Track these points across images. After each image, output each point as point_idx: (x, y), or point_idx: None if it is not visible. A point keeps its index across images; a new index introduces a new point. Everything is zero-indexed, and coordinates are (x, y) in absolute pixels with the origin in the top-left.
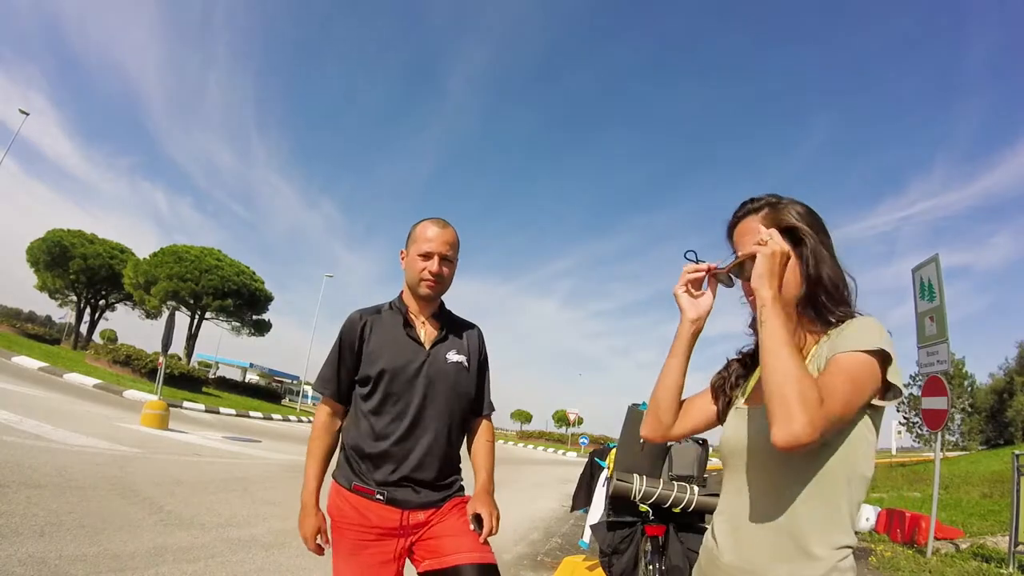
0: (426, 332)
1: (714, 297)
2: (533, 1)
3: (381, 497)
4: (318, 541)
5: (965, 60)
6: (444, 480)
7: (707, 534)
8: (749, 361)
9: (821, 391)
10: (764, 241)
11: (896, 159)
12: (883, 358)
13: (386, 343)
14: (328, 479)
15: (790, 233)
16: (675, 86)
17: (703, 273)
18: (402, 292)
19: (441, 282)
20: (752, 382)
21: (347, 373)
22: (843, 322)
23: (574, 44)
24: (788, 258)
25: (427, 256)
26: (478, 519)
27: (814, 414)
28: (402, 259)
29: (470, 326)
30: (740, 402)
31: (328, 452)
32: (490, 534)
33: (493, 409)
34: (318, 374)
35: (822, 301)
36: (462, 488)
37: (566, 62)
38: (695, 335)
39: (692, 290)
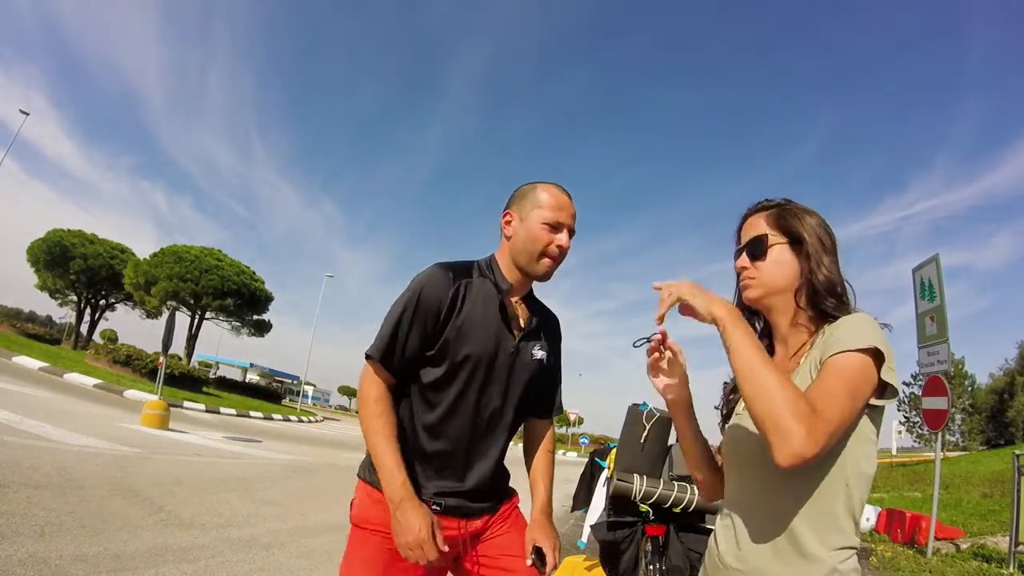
0: (517, 318)
1: (683, 364)
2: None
3: (438, 508)
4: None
5: (966, 59)
6: (501, 483)
7: (711, 536)
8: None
9: (816, 400)
10: (663, 290)
11: (897, 159)
12: (876, 355)
13: (478, 322)
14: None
15: (793, 236)
16: (675, 85)
17: (658, 350)
18: (494, 258)
19: (563, 259)
20: None
21: (418, 344)
22: (836, 319)
23: (574, 43)
24: (694, 288)
25: (557, 227)
26: (539, 553)
27: (811, 425)
28: (507, 224)
29: (552, 315)
30: (739, 408)
31: (395, 430)
32: (553, 569)
33: (561, 411)
34: (376, 338)
35: (817, 301)
36: (511, 489)
37: (566, 61)
38: (682, 405)
39: (662, 367)
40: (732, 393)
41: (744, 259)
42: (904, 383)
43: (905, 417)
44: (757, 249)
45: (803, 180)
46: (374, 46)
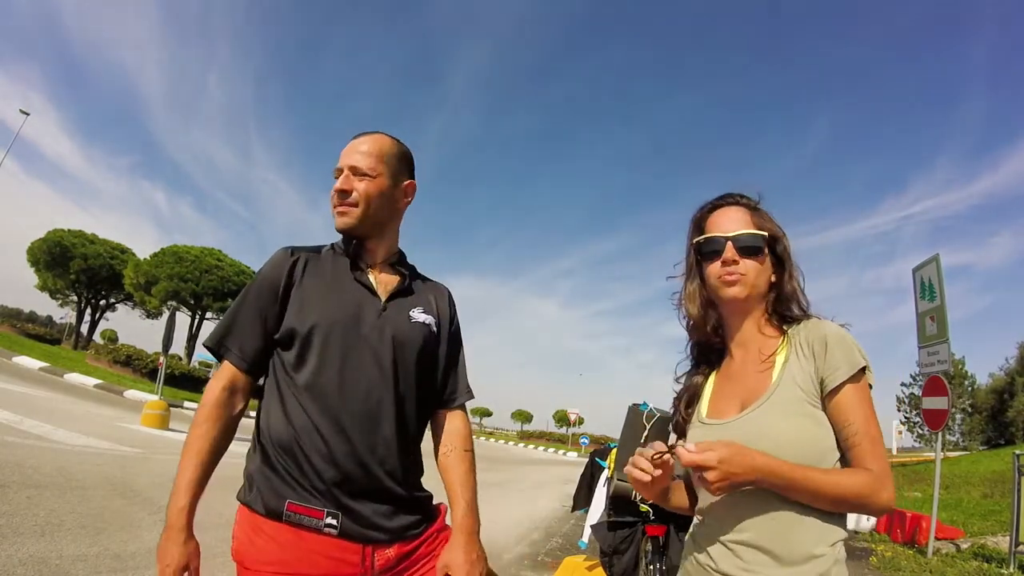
0: (380, 280)
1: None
2: None
3: (333, 525)
4: None
5: (968, 58)
6: (414, 494)
7: (691, 546)
8: (694, 384)
9: (868, 453)
10: (707, 464)
11: (898, 158)
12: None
13: (323, 289)
14: (218, 496)
15: (770, 239)
16: (676, 84)
17: (664, 461)
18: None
19: (357, 201)
20: (707, 396)
21: (262, 327)
22: (798, 320)
23: (575, 42)
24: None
25: (338, 173)
26: None
27: (885, 486)
28: None
29: (438, 284)
30: (703, 417)
31: (217, 446)
32: None
33: (471, 396)
34: (213, 329)
35: (784, 307)
36: (436, 506)
37: (567, 60)
38: (663, 492)
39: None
40: (687, 408)
41: (732, 251)
42: (904, 383)
43: (905, 417)
44: (753, 247)
45: (803, 179)
46: (374, 46)
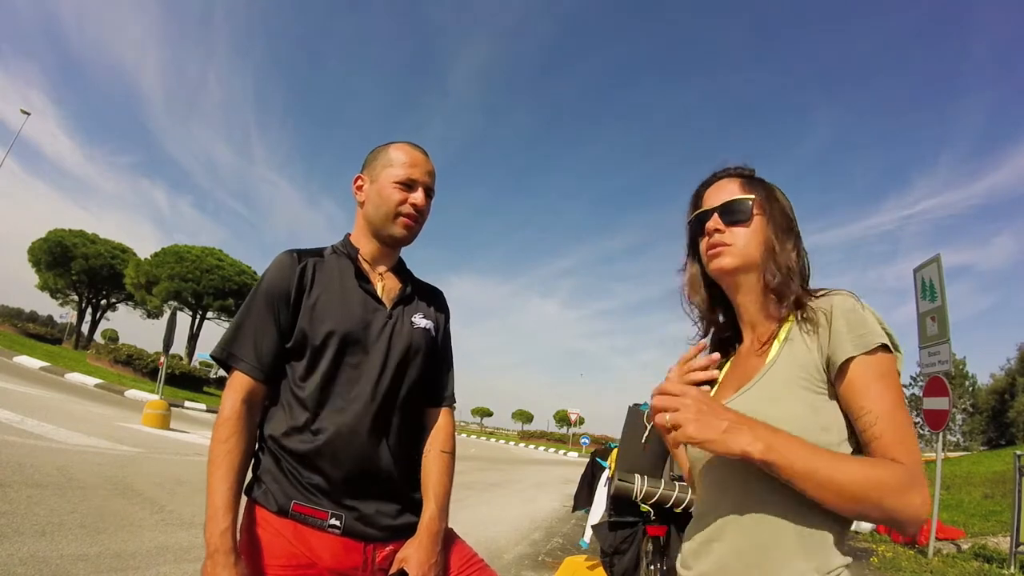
0: (385, 287)
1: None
2: None
3: (337, 525)
4: None
5: (970, 57)
6: (415, 494)
7: (684, 551)
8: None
9: (893, 444)
10: (670, 407)
11: (900, 157)
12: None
13: (334, 296)
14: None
15: (760, 206)
16: (678, 82)
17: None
18: (349, 236)
19: (423, 220)
20: (719, 382)
21: (274, 336)
22: (809, 296)
23: (577, 40)
24: (704, 424)
25: (408, 184)
26: None
27: (915, 485)
28: (360, 189)
29: (435, 289)
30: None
31: (244, 461)
32: None
33: (455, 401)
34: (222, 338)
35: (783, 284)
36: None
37: (569, 59)
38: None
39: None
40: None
41: (717, 221)
42: (905, 384)
43: None
44: (739, 213)
45: (805, 179)
46: (375, 44)
